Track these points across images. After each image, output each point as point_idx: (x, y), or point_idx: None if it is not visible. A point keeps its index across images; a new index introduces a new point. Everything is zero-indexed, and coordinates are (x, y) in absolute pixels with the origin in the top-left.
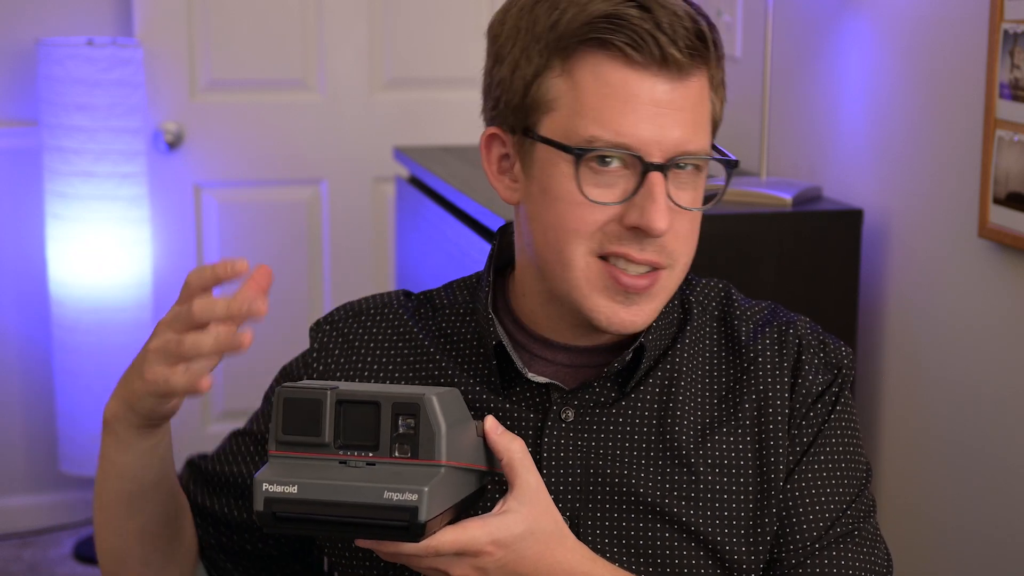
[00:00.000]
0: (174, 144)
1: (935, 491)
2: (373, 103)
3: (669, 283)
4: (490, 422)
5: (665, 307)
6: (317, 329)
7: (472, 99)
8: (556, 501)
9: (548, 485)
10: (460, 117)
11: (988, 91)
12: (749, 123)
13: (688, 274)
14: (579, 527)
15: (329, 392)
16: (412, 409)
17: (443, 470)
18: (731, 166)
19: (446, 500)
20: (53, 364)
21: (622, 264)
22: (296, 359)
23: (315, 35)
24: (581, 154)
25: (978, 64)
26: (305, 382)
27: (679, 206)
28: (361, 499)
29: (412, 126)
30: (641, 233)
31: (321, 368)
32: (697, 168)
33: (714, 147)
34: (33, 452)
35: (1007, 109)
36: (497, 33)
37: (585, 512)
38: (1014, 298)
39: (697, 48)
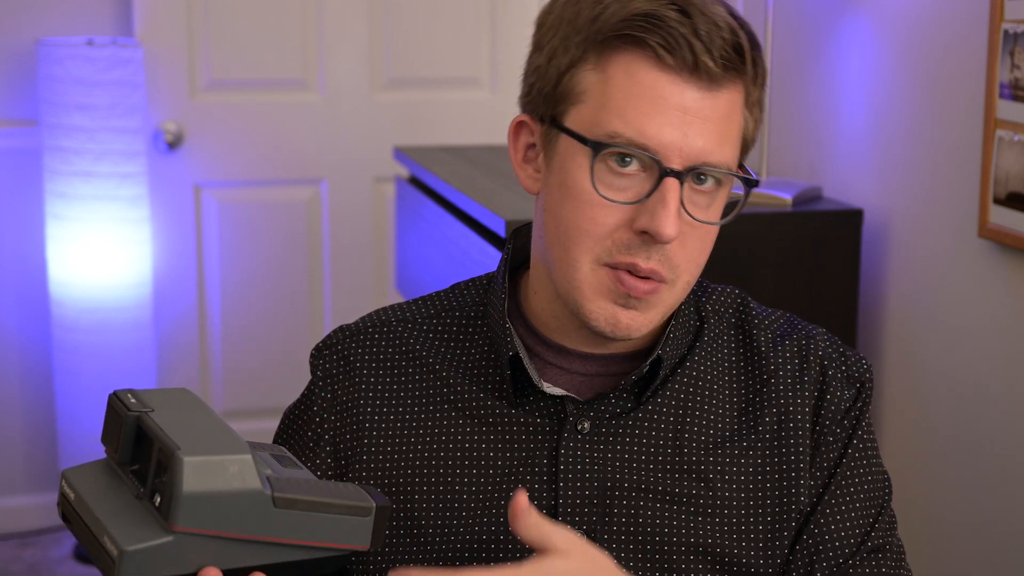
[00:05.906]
0: (174, 144)
1: (935, 490)
2: (373, 103)
3: (668, 299)
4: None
5: (681, 316)
6: (318, 355)
7: (472, 99)
8: (574, 513)
9: (566, 497)
10: (460, 117)
11: (988, 91)
12: None
13: (702, 280)
14: (597, 539)
15: None
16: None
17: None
18: (750, 185)
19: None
20: (53, 364)
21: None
22: (298, 402)
23: (315, 35)
24: (598, 148)
25: (978, 64)
26: None
27: (692, 217)
28: None
29: (412, 126)
30: (649, 239)
31: (329, 396)
32: (718, 183)
33: (741, 167)
34: (33, 452)
35: (1007, 109)
36: (542, 22)
37: (602, 524)
38: (1014, 298)
39: (732, 60)
